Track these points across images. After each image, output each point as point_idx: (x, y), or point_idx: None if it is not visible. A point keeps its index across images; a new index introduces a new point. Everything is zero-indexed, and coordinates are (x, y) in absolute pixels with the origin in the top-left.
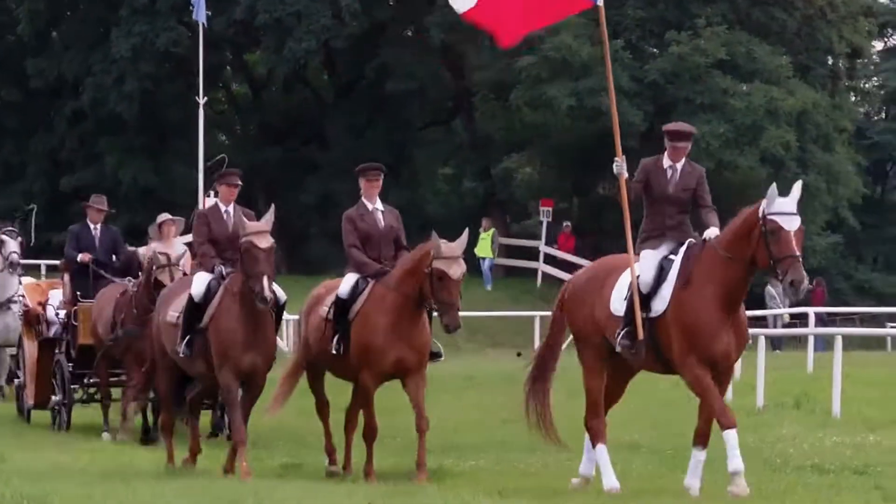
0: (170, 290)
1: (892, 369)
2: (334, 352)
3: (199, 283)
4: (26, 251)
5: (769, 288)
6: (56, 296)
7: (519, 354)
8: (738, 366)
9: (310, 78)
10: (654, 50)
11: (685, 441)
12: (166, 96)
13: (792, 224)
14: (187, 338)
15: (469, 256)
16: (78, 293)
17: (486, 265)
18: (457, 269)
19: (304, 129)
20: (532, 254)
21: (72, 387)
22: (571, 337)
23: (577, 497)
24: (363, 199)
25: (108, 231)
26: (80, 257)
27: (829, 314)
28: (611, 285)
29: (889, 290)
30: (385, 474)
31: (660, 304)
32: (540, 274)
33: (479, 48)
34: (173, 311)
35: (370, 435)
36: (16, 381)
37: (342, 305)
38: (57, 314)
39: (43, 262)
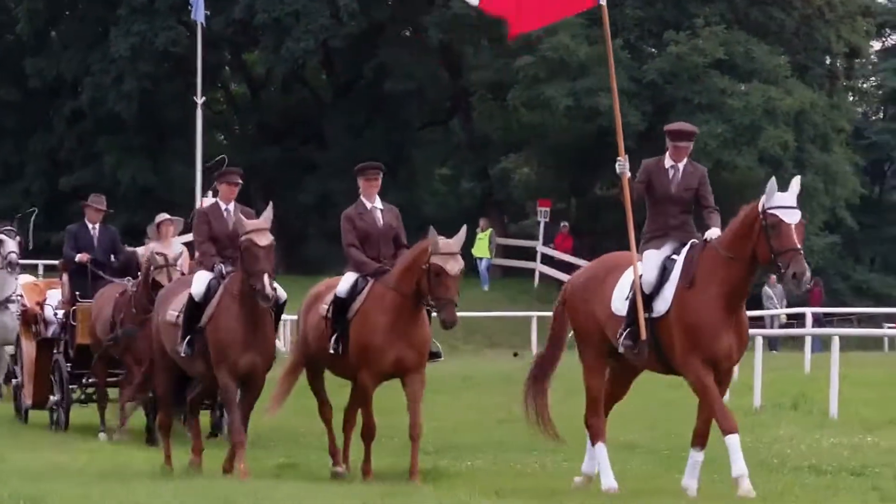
0: (169, 289)
1: (890, 370)
2: (332, 351)
3: (200, 282)
4: (24, 252)
5: (766, 288)
6: (54, 295)
7: (516, 355)
8: (735, 366)
9: (308, 78)
10: (653, 50)
11: (682, 441)
12: (165, 96)
13: (792, 217)
14: (188, 337)
15: (466, 256)
16: (77, 293)
17: (483, 265)
18: (454, 265)
19: (303, 128)
20: (529, 254)
21: (70, 387)
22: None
23: (574, 497)
24: (362, 197)
25: (106, 231)
26: (78, 257)
27: (826, 315)
28: (612, 284)
29: (887, 291)
30: (381, 474)
31: (662, 305)
32: (537, 274)
33: (478, 48)
34: (173, 311)
35: (368, 435)
36: (14, 381)
37: (341, 304)
38: (55, 314)
39: (41, 262)
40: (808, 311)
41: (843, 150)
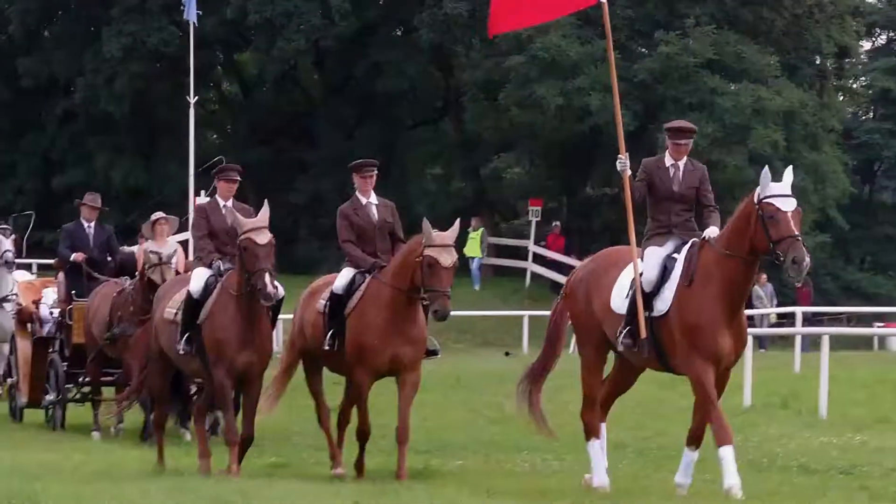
0: (167, 286)
1: (879, 369)
2: (327, 347)
3: (198, 279)
4: (19, 250)
5: (756, 288)
6: (50, 294)
7: (507, 354)
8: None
9: (300, 78)
10: (643, 50)
11: (671, 441)
12: (157, 96)
13: (788, 205)
14: (186, 335)
15: (458, 254)
16: (73, 292)
17: (474, 265)
18: (448, 258)
19: (294, 128)
20: (521, 253)
21: (66, 386)
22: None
23: (564, 496)
24: (357, 194)
25: (102, 230)
26: (73, 257)
27: (815, 314)
28: (611, 280)
29: (876, 290)
30: (372, 473)
31: (662, 304)
32: (529, 274)
33: (469, 48)
34: (170, 308)
35: (363, 436)
36: (9, 380)
37: (338, 301)
38: (51, 312)
39: (34, 261)
40: (798, 311)
41: (833, 149)
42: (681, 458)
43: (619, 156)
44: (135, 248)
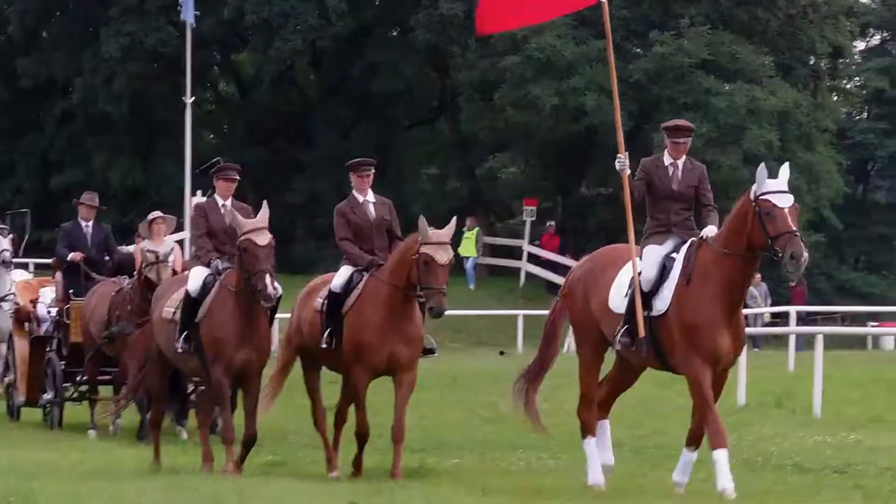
0: (166, 286)
1: (873, 369)
2: (324, 345)
3: (196, 278)
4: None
5: (750, 287)
6: (47, 293)
7: (502, 353)
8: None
9: (297, 78)
10: (638, 50)
11: (667, 440)
12: (155, 96)
13: (785, 201)
14: (185, 333)
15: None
16: (70, 291)
17: (469, 264)
18: (444, 255)
19: (291, 128)
20: (516, 253)
21: (63, 385)
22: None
23: (560, 494)
24: (354, 192)
25: (100, 229)
26: (70, 256)
27: (809, 314)
28: (609, 279)
29: (870, 290)
30: (368, 472)
31: (661, 304)
32: (523, 273)
33: (465, 48)
34: (169, 307)
35: (361, 437)
36: (6, 379)
37: (335, 299)
38: (49, 312)
39: (31, 261)
40: (793, 310)
41: (827, 149)
42: (678, 457)
43: (619, 155)
44: (132, 248)
